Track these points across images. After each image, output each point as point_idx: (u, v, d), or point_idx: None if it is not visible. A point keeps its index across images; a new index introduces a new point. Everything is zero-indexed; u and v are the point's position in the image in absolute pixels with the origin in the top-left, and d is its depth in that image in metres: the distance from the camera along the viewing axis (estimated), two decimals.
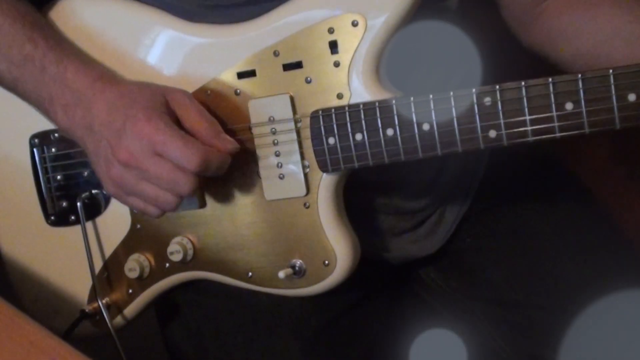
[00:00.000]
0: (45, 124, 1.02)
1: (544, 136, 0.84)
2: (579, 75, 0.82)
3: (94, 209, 1.03)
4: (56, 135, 1.02)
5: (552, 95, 0.83)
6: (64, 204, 1.04)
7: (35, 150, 1.04)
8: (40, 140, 1.03)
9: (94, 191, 1.02)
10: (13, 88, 0.96)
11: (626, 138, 0.84)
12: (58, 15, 1.00)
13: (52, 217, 1.05)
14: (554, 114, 0.83)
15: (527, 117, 0.84)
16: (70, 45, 0.97)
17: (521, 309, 1.02)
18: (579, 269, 1.00)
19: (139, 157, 0.86)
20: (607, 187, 1.12)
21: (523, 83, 0.83)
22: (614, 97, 0.81)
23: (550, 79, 0.83)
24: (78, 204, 1.01)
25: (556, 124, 0.83)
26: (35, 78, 0.93)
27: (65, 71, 0.92)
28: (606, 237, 1.03)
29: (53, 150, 1.03)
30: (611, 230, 1.04)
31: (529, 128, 0.84)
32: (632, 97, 0.80)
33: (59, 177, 1.04)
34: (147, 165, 0.86)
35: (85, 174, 1.02)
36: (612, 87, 0.81)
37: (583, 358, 0.95)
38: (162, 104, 0.88)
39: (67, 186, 1.03)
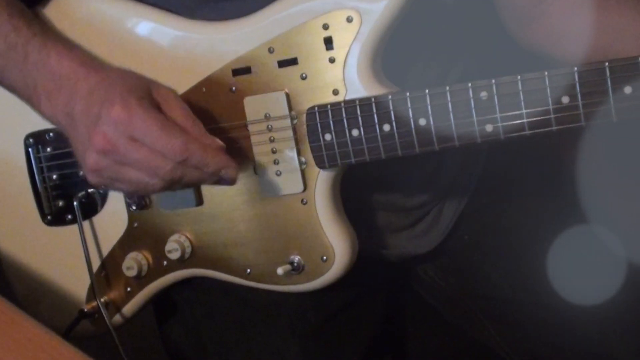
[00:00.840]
0: (39, 124, 1.01)
1: (540, 129, 0.84)
2: (575, 69, 0.82)
3: (91, 208, 1.03)
4: (51, 135, 1.02)
5: (548, 89, 0.83)
6: (60, 203, 1.03)
7: (30, 150, 1.03)
8: (35, 140, 1.03)
9: (90, 190, 1.02)
10: (0, 79, 0.94)
11: (624, 136, 0.84)
12: (53, 11, 0.99)
13: (49, 217, 1.04)
14: (551, 107, 0.83)
15: (524, 111, 0.84)
16: (55, 33, 0.95)
17: (518, 306, 1.02)
18: (577, 266, 1.00)
19: (115, 143, 0.82)
20: (605, 185, 1.12)
21: (519, 77, 0.83)
22: (610, 90, 0.81)
23: (546, 73, 0.83)
24: (75, 203, 1.01)
25: (552, 117, 0.83)
26: (19, 66, 0.91)
27: (49, 57, 0.90)
28: (604, 234, 1.03)
29: (48, 149, 1.03)
30: (609, 228, 1.04)
31: (526, 121, 0.84)
32: (628, 89, 0.81)
33: (54, 176, 1.03)
34: (124, 151, 0.82)
35: (81, 173, 1.02)
36: (608, 80, 0.81)
37: (581, 356, 0.96)
38: (144, 91, 0.85)
39: (63, 185, 1.03)
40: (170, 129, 0.82)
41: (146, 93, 0.85)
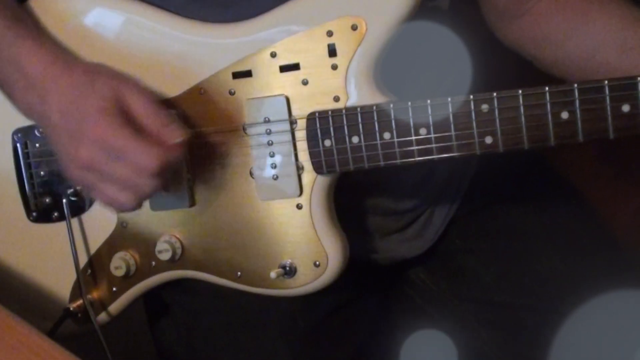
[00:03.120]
0: (28, 119, 1.00)
1: (539, 144, 0.86)
2: (575, 85, 0.84)
3: (79, 206, 1.01)
4: (40, 130, 1.00)
5: (548, 104, 0.84)
6: (47, 200, 1.02)
7: (18, 145, 1.01)
8: (24, 135, 1.01)
9: (78, 188, 1.00)
10: None
11: (614, 140, 0.86)
12: (37, 7, 0.97)
13: (35, 214, 1.03)
14: (550, 122, 0.85)
15: (523, 125, 0.85)
16: (29, 26, 0.94)
17: (510, 310, 1.04)
18: (568, 269, 1.02)
19: (99, 162, 0.85)
20: (595, 188, 1.14)
21: (520, 91, 0.85)
22: (608, 108, 0.83)
23: (546, 88, 0.84)
24: (63, 200, 0.99)
25: (551, 132, 0.85)
26: None
27: (19, 55, 0.89)
28: (595, 237, 1.05)
29: (37, 145, 1.01)
30: (600, 231, 1.06)
31: (525, 135, 0.86)
32: (626, 107, 0.83)
33: (42, 173, 1.01)
34: (107, 169, 0.85)
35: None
36: (607, 97, 0.83)
37: (572, 359, 0.98)
38: (115, 100, 0.86)
39: (51, 182, 1.01)
40: (148, 147, 0.84)
41: (118, 101, 0.86)
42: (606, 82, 0.83)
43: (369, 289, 1.08)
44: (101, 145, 0.84)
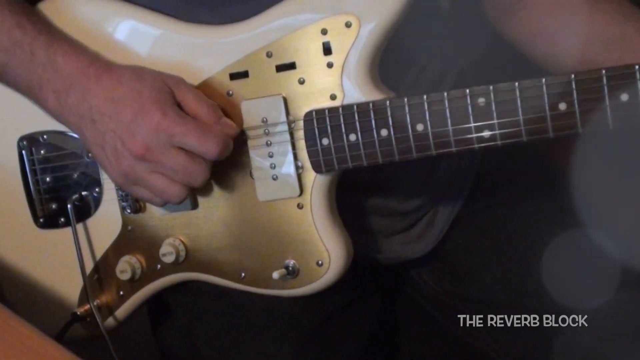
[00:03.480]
0: (33, 126, 1.01)
1: (537, 136, 0.84)
2: (572, 76, 0.82)
3: (84, 211, 1.02)
4: (45, 137, 1.01)
5: (545, 96, 0.83)
6: (54, 206, 1.03)
7: (23, 152, 1.02)
8: (29, 142, 1.02)
9: (83, 193, 1.02)
10: (2, 75, 0.94)
11: (617, 138, 0.85)
12: (48, 10, 0.98)
13: (41, 220, 1.04)
14: (548, 114, 0.83)
15: (521, 117, 0.84)
16: (60, 31, 0.95)
17: (512, 311, 1.03)
18: (570, 270, 1.01)
19: (155, 151, 0.86)
20: (596, 188, 1.13)
21: (517, 84, 0.84)
22: (606, 97, 0.82)
23: (543, 79, 0.83)
24: (68, 206, 1.00)
25: (549, 124, 0.84)
26: (24, 64, 0.91)
27: (55, 56, 0.90)
28: (597, 238, 1.04)
29: (42, 152, 1.02)
30: (602, 231, 1.05)
31: (523, 128, 0.84)
32: (624, 97, 0.81)
33: (48, 179, 1.02)
34: (163, 158, 0.86)
35: (75, 176, 1.01)
36: (605, 87, 0.81)
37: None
38: (168, 93, 0.88)
39: (57, 188, 1.02)
40: (210, 132, 0.86)
41: (171, 95, 0.88)
42: (604, 71, 0.82)
43: (371, 289, 1.08)
44: (160, 133, 0.85)
